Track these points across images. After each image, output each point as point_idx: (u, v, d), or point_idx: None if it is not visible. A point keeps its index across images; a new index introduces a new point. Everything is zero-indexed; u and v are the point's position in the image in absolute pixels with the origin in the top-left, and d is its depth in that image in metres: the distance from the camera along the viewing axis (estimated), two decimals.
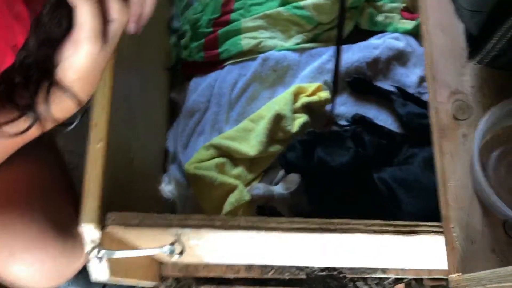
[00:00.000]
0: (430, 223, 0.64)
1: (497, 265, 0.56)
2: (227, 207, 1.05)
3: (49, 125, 0.55)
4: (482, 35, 0.58)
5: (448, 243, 0.58)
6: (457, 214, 0.58)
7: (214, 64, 1.28)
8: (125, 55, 0.77)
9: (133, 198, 0.83)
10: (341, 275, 1.20)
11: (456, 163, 0.60)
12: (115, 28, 0.51)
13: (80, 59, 0.51)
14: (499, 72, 0.62)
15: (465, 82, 0.64)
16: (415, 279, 1.18)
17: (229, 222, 0.65)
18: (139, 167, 0.88)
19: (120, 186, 0.73)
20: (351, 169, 0.95)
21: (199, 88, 1.25)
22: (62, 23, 0.50)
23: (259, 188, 1.09)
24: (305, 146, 0.97)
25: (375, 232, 0.65)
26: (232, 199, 1.06)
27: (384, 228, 0.65)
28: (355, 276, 1.18)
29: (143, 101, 0.95)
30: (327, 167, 0.94)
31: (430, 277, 1.16)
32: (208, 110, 1.24)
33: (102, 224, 0.65)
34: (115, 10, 0.50)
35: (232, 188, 1.07)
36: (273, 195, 1.07)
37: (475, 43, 0.60)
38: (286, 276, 1.19)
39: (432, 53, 0.66)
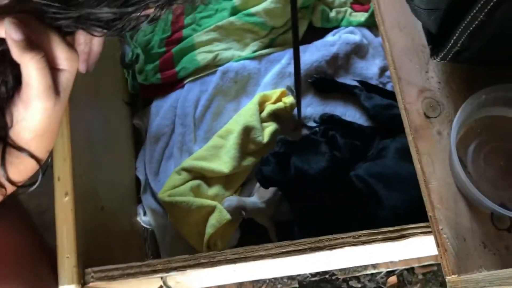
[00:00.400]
0: (417, 225, 0.64)
1: (491, 259, 0.55)
2: (209, 229, 1.02)
3: (9, 190, 0.52)
4: (441, 32, 0.57)
5: (439, 245, 0.57)
6: (444, 214, 0.57)
7: (173, 84, 1.24)
8: (80, 97, 0.74)
9: (110, 243, 0.79)
10: (333, 277, 1.19)
11: (434, 162, 0.59)
12: (66, 78, 0.48)
13: (34, 118, 0.47)
14: (462, 65, 0.62)
15: (431, 78, 0.63)
16: (406, 269, 1.18)
17: (216, 258, 0.62)
18: (111, 210, 0.85)
19: (94, 236, 0.70)
20: (329, 174, 0.94)
21: (161, 111, 1.22)
22: (8, 82, 0.46)
23: (231, 200, 1.07)
24: (279, 158, 0.95)
25: (364, 243, 0.63)
26: (212, 221, 1.03)
27: (373, 237, 0.63)
28: (347, 276, 1.18)
29: (106, 138, 0.91)
30: (305, 176, 0.92)
31: (420, 264, 1.16)
32: (173, 132, 1.20)
33: (82, 282, 0.61)
34: (63, 60, 0.46)
35: (210, 210, 1.05)
36: (245, 206, 1.05)
37: (435, 40, 0.59)
38: (279, 287, 1.17)
39: (393, 54, 0.65)
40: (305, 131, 1.22)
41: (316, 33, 1.31)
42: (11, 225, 0.68)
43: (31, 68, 0.44)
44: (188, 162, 1.10)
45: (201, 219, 1.05)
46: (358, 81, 1.24)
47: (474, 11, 0.50)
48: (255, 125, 1.11)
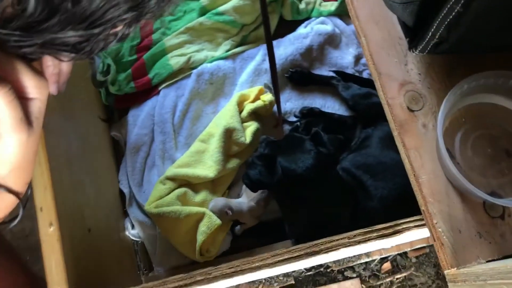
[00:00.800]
0: (410, 219, 0.63)
1: (487, 249, 0.55)
2: (200, 237, 1.01)
3: None
4: (418, 25, 0.56)
5: (436, 240, 0.57)
6: (437, 208, 0.57)
7: (148, 91, 1.22)
8: (53, 119, 0.71)
9: (101, 263, 0.77)
10: (328, 270, 1.19)
11: (422, 156, 0.59)
12: (37, 107, 0.45)
13: (8, 152, 0.44)
14: (441, 54, 0.61)
15: (411, 71, 0.63)
16: (399, 254, 1.19)
17: (212, 274, 0.61)
18: (99, 230, 0.83)
19: (84, 260, 0.68)
20: (317, 170, 0.93)
21: (138, 120, 1.19)
22: None
23: (216, 201, 1.05)
24: (265, 159, 0.94)
25: (359, 242, 0.63)
26: (203, 227, 1.02)
27: (367, 236, 0.63)
28: (342, 267, 1.18)
29: (85, 156, 0.89)
30: (293, 175, 0.91)
31: (413, 248, 1.17)
32: (153, 141, 1.18)
33: None
34: (32, 88, 0.44)
35: (199, 217, 1.03)
36: (231, 206, 1.04)
37: (413, 33, 0.58)
38: (276, 286, 1.17)
39: (371, 49, 0.64)
40: (286, 127, 1.21)
41: (287, 26, 1.30)
42: None
43: (0, 103, 0.41)
44: (172, 170, 1.08)
45: (191, 227, 1.03)
46: (334, 71, 1.23)
47: (451, 2, 0.49)
48: (236, 126, 1.09)
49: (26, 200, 0.56)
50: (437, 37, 0.55)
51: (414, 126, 0.60)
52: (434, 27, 0.53)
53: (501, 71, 0.56)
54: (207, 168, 1.06)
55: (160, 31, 1.27)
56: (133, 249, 1.14)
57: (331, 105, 1.23)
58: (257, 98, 1.16)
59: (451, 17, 0.51)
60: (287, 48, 1.24)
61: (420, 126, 0.60)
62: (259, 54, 1.24)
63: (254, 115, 1.15)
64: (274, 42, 1.25)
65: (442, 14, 0.51)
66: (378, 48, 0.64)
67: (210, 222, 1.02)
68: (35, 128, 0.46)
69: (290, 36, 1.26)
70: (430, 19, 0.54)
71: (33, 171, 0.50)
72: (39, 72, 0.45)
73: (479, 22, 0.51)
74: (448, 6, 0.50)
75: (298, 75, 1.23)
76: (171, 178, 1.06)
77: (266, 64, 1.22)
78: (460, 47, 0.57)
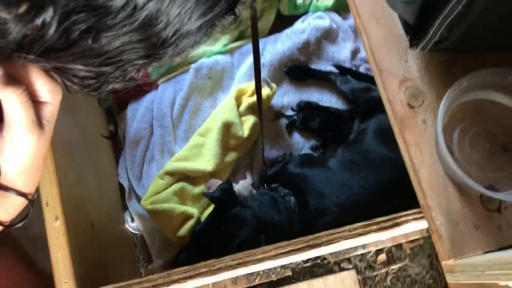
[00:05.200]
0: (409, 212, 0.65)
1: (484, 241, 0.57)
2: (182, 232, 1.02)
3: None
4: (420, 23, 0.57)
5: (433, 232, 0.58)
6: (435, 201, 0.59)
7: (146, 85, 1.22)
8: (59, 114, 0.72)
9: (103, 256, 0.79)
10: (325, 261, 1.21)
11: (422, 151, 0.60)
12: (49, 110, 0.45)
13: (18, 154, 0.45)
14: (440, 51, 0.63)
15: (411, 68, 0.64)
16: (394, 246, 1.21)
17: (215, 266, 0.62)
18: (101, 223, 0.84)
19: (87, 253, 0.69)
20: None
21: (137, 114, 1.20)
22: None
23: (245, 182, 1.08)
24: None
25: (359, 235, 0.64)
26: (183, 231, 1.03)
27: (368, 228, 0.65)
28: (338, 259, 1.20)
29: (87, 150, 0.90)
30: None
31: (408, 240, 1.19)
32: (152, 134, 1.19)
33: None
34: (45, 93, 0.44)
35: (190, 216, 1.04)
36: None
37: (414, 31, 0.60)
38: (273, 277, 1.19)
39: (372, 46, 0.65)
40: (283, 121, 1.22)
41: (285, 21, 1.30)
42: (6, 262, 0.66)
43: (13, 103, 0.42)
44: (171, 164, 1.09)
45: (184, 224, 1.04)
46: (334, 65, 1.24)
47: (453, 2, 0.51)
48: (234, 120, 1.10)
49: (33, 201, 0.56)
50: (438, 35, 0.56)
51: (414, 122, 0.62)
52: (436, 26, 0.55)
53: (499, 68, 0.58)
54: (206, 161, 1.08)
55: None
56: (133, 242, 1.15)
57: (328, 99, 1.24)
58: (254, 92, 1.17)
59: (452, 16, 0.53)
60: (284, 43, 1.25)
61: (420, 122, 0.62)
62: None
63: (252, 109, 1.16)
64: (272, 37, 1.26)
65: (444, 14, 0.53)
66: (379, 45, 0.65)
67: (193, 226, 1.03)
68: (46, 131, 0.47)
69: (288, 31, 1.27)
70: (431, 18, 0.55)
71: (42, 173, 0.51)
72: (53, 78, 0.46)
73: (480, 22, 0.53)
74: (450, 6, 0.51)
75: (296, 70, 1.24)
76: (170, 173, 1.07)
77: (264, 59, 1.23)
78: (460, 46, 0.59)
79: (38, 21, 0.34)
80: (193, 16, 0.38)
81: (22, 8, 0.33)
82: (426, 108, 0.62)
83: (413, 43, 0.60)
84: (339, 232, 0.64)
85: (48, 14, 0.33)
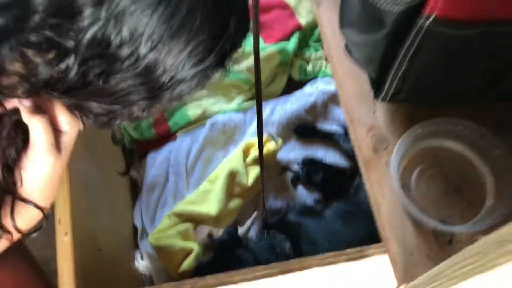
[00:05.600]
0: (375, 245, 0.72)
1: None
2: (184, 266, 1.10)
3: (16, 237, 0.58)
4: (379, 79, 0.68)
5: (391, 260, 0.65)
6: (393, 233, 0.66)
7: (166, 137, 1.36)
8: (78, 150, 0.84)
9: (108, 284, 0.87)
10: None
11: (383, 189, 0.69)
12: (67, 138, 0.55)
13: (39, 172, 0.54)
14: (406, 103, 0.72)
15: (378, 117, 0.74)
16: None
17: (198, 284, 0.70)
18: (109, 252, 0.93)
19: (92, 275, 0.78)
20: None
21: (156, 162, 1.32)
22: (18, 144, 0.54)
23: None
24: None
25: (330, 263, 0.71)
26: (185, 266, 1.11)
27: (337, 258, 0.72)
28: None
29: (103, 186, 1.01)
30: None
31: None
32: (167, 181, 1.30)
33: None
34: (65, 123, 0.54)
35: (190, 251, 1.12)
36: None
37: (376, 85, 0.70)
38: None
39: (346, 99, 0.75)
40: (289, 174, 1.32)
41: (295, 84, 1.44)
42: (17, 268, 0.75)
43: (37, 128, 0.52)
44: (180, 206, 1.19)
45: (183, 259, 1.12)
46: (339, 125, 1.35)
47: (400, 58, 0.61)
48: (239, 169, 1.20)
49: (47, 216, 0.66)
50: (393, 87, 0.66)
51: (378, 164, 0.71)
52: (390, 79, 0.65)
53: (449, 118, 0.67)
54: (211, 206, 1.17)
55: None
56: (141, 279, 1.23)
57: (332, 157, 1.33)
58: None
59: (402, 70, 0.63)
60: (293, 104, 1.37)
61: (383, 164, 0.70)
62: (268, 108, 1.37)
63: (258, 161, 1.26)
64: (282, 98, 1.39)
65: (395, 67, 0.63)
66: (351, 98, 0.76)
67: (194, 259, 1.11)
68: (62, 156, 0.56)
69: (297, 93, 1.39)
70: (388, 72, 0.65)
71: (56, 192, 0.61)
72: (73, 112, 0.56)
73: (424, 76, 0.63)
74: (399, 60, 0.62)
75: (303, 128, 1.35)
76: (177, 214, 1.17)
77: (274, 117, 1.35)
78: (415, 97, 0.68)
79: (63, 65, 0.42)
80: (186, 66, 0.47)
81: (51, 55, 0.42)
82: (389, 152, 0.71)
83: (376, 95, 0.70)
84: (311, 260, 0.71)
85: (70, 60, 0.42)
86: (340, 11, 0.66)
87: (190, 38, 0.45)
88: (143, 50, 0.43)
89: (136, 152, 1.36)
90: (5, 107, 0.50)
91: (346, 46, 0.71)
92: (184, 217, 1.18)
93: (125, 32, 0.42)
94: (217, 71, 0.52)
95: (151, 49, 0.43)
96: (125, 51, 0.43)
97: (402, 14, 0.55)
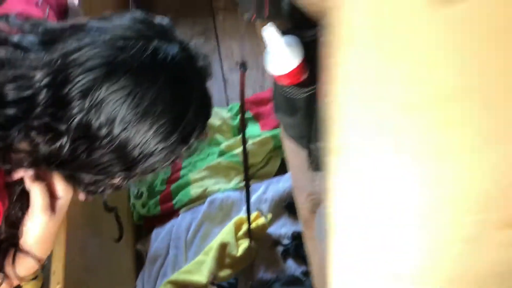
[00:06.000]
0: None
1: None
2: None
3: (16, 283, 0.68)
4: (309, 152, 0.83)
5: None
6: (322, 281, 0.77)
7: (170, 214, 1.52)
8: (85, 219, 1.00)
9: None
10: None
11: (316, 244, 0.81)
12: (61, 203, 0.66)
13: (35, 228, 0.65)
14: None
15: (317, 185, 0.87)
16: None
17: None
18: None
19: None
20: None
21: (159, 237, 1.47)
22: (24, 207, 0.65)
23: None
24: None
25: None
26: None
27: None
28: None
29: (104, 252, 1.16)
30: None
31: None
32: (168, 254, 1.44)
33: None
34: (59, 190, 0.65)
35: None
36: None
37: (310, 157, 0.85)
38: None
39: (293, 172, 0.90)
40: (280, 248, 1.43)
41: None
42: None
43: (36, 192, 0.64)
44: (175, 275, 1.32)
45: None
46: None
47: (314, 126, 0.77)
48: (230, 240, 1.34)
49: (43, 265, 0.79)
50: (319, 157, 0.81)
51: (313, 223, 0.83)
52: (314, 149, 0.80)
53: None
54: (202, 275, 1.29)
55: (187, 168, 1.62)
56: None
57: None
58: (253, 221, 1.41)
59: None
60: (285, 183, 1.52)
61: None
62: (261, 187, 1.52)
63: (249, 235, 1.39)
64: (275, 178, 1.55)
65: (313, 145, 0.78)
66: (296, 170, 0.90)
67: None
68: (56, 216, 0.67)
69: (288, 174, 1.54)
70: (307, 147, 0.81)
71: (52, 246, 0.73)
72: (67, 181, 0.67)
73: None
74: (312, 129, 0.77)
75: (293, 205, 1.48)
76: (172, 282, 1.30)
77: (267, 195, 1.50)
78: None
79: (57, 144, 0.56)
80: (152, 143, 0.60)
81: (49, 136, 0.57)
82: None
83: (309, 164, 0.85)
84: None
85: (63, 140, 0.57)
86: (273, 98, 0.83)
87: (153, 122, 0.58)
88: (116, 130, 0.57)
89: (144, 228, 1.53)
90: (13, 177, 0.63)
91: (283, 127, 0.88)
92: (178, 285, 1.30)
93: (103, 118, 0.56)
94: (182, 148, 0.63)
95: (123, 130, 0.57)
96: (103, 132, 0.57)
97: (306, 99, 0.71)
